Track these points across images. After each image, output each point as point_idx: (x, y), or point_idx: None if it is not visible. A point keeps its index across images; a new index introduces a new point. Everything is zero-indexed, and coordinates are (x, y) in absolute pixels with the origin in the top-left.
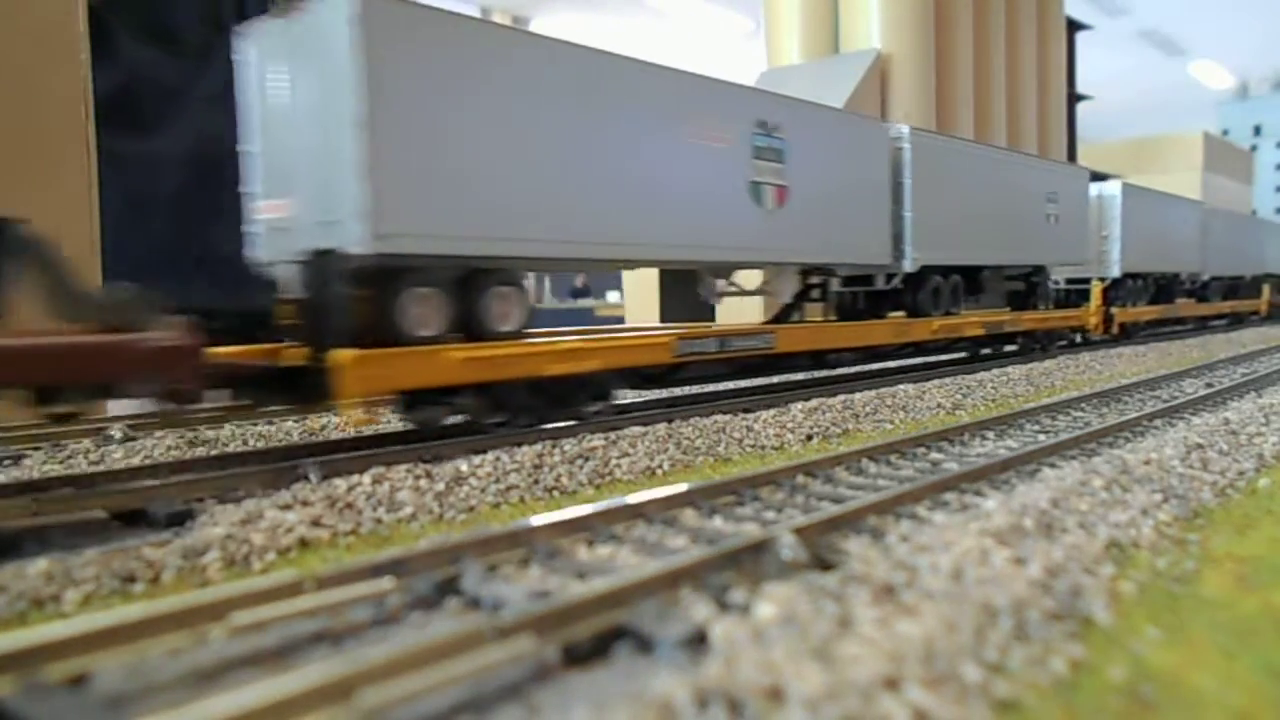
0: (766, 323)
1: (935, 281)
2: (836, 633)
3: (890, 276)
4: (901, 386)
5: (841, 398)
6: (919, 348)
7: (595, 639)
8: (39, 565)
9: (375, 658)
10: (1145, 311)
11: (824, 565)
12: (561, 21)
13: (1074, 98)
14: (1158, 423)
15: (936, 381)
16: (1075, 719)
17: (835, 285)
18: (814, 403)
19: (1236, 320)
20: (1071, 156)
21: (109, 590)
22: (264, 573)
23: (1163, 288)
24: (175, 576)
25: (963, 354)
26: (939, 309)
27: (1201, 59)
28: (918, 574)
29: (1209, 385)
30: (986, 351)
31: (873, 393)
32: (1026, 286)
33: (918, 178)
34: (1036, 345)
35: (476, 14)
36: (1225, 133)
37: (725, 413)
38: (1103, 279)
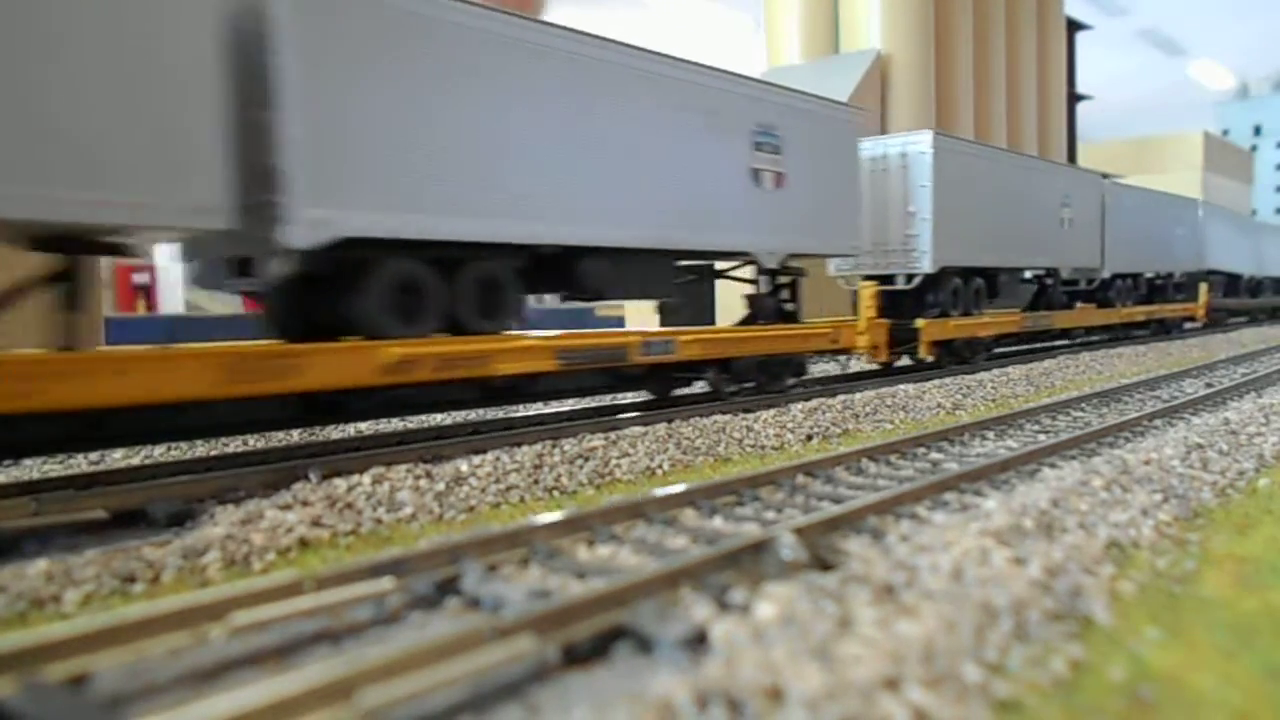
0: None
1: (407, 271)
2: (836, 633)
3: (274, 258)
4: (901, 386)
5: (841, 398)
6: (398, 401)
7: (595, 639)
8: (39, 565)
9: (375, 658)
10: (978, 324)
11: (824, 565)
12: (561, 17)
13: (1074, 98)
14: (1158, 423)
15: (936, 381)
16: (1075, 719)
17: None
18: (814, 403)
19: (1163, 329)
20: (1071, 157)
21: (109, 590)
22: (264, 573)
23: (1046, 288)
24: (175, 576)
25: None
26: (422, 325)
27: (1201, 59)
28: (918, 574)
29: (1209, 385)
30: (687, 391)
31: (873, 393)
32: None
33: (321, 53)
34: (749, 384)
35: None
36: (1225, 133)
37: (725, 413)
38: (910, 276)
